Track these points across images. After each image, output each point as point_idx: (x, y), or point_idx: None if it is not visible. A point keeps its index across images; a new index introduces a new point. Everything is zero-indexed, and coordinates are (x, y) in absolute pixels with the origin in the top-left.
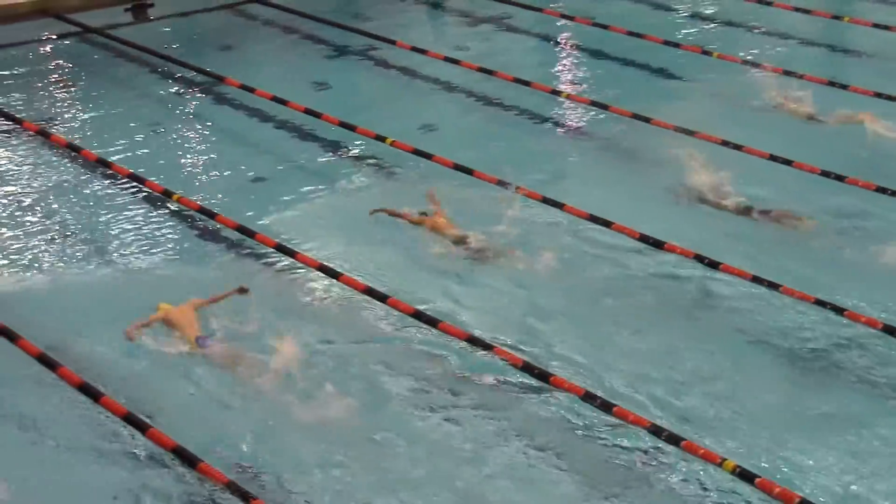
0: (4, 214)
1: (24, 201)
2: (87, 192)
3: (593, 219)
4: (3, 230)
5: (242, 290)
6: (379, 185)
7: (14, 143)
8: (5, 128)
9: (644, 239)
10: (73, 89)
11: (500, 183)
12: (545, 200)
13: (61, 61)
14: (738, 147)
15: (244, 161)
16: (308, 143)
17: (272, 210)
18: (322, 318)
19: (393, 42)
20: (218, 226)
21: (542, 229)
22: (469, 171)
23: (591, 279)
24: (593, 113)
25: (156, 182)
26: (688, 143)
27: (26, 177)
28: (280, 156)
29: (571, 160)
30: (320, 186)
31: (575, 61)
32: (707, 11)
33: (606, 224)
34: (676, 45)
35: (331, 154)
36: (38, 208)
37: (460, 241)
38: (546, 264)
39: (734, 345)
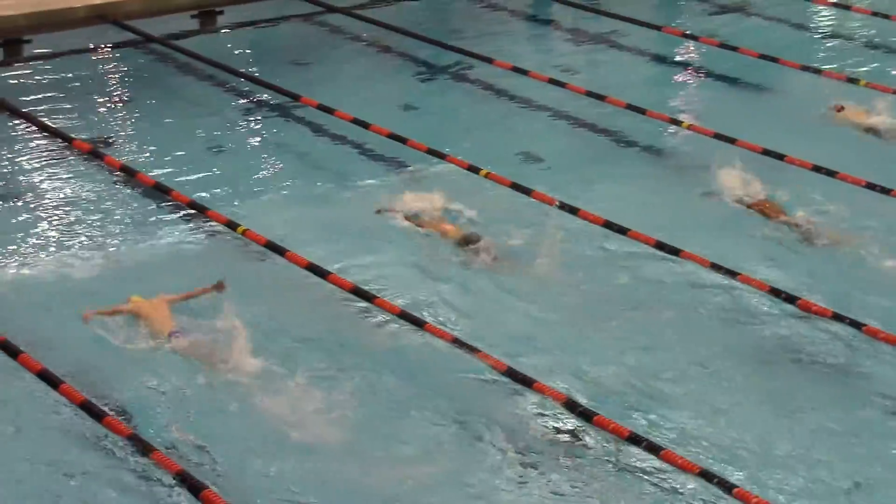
0: (51, 244)
1: (74, 232)
2: (141, 220)
3: (726, 272)
4: (52, 265)
5: (219, 287)
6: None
7: (63, 164)
8: (54, 147)
9: (776, 293)
10: (129, 104)
11: (607, 225)
12: (659, 246)
13: (118, 73)
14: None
15: (318, 190)
16: (391, 172)
17: (348, 250)
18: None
19: (489, 60)
20: (289, 265)
21: (661, 287)
22: (574, 211)
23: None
24: (718, 147)
25: (218, 212)
26: (829, 188)
27: (74, 205)
28: (359, 185)
29: (689, 204)
30: (401, 222)
31: (697, 86)
32: (850, 27)
33: (731, 275)
34: (817, 72)
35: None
36: (89, 240)
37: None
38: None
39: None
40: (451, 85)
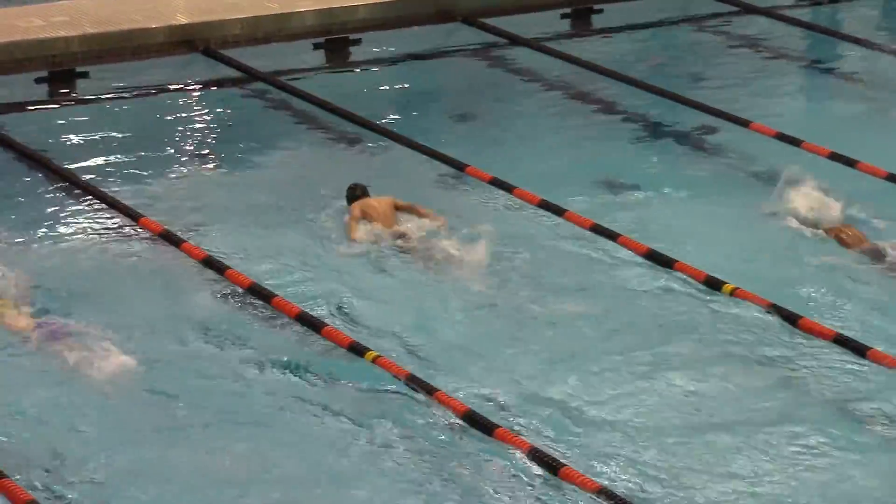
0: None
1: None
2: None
3: None
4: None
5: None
6: None
7: (122, 251)
8: (108, 223)
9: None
10: (217, 168)
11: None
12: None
13: (203, 122)
14: None
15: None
16: None
17: None
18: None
19: (745, 123)
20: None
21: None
22: None
23: None
24: None
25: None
26: None
27: (129, 340)
28: None
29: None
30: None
31: None
32: None
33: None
34: None
35: None
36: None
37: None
38: None
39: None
40: (681, 155)
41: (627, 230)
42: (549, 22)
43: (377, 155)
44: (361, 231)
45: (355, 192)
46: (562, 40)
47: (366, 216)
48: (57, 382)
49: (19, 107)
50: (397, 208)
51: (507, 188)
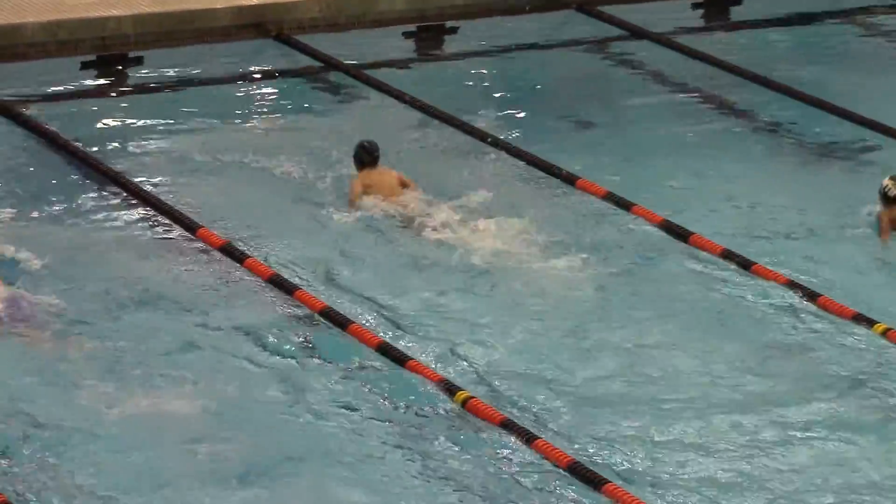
0: None
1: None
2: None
3: None
4: None
5: None
6: None
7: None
8: (166, 233)
9: None
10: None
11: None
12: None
13: (274, 113)
14: None
15: None
16: None
17: None
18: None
19: None
20: None
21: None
22: None
23: None
24: None
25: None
26: None
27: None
28: None
29: None
30: None
31: None
32: None
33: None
34: None
35: None
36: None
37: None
38: None
39: None
40: (836, 176)
41: (761, 254)
42: (677, 12)
43: (472, 161)
44: (364, 201)
45: (363, 159)
46: (692, 34)
47: (369, 189)
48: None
49: (62, 95)
50: (403, 185)
51: (625, 205)
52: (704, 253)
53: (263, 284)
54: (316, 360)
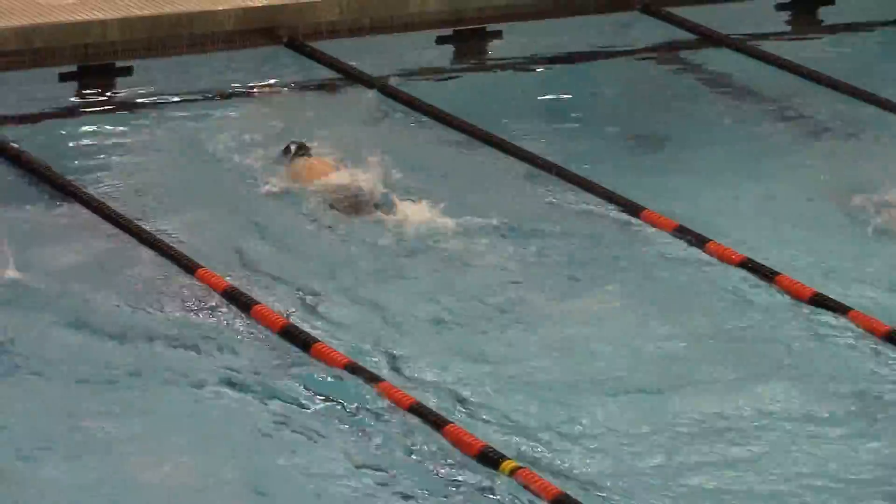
0: None
1: None
2: None
3: None
4: None
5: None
6: None
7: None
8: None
9: None
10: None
11: None
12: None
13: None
14: None
15: None
16: None
17: None
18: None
19: None
20: None
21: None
22: None
23: None
24: None
25: None
26: None
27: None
28: None
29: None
30: None
31: None
32: None
33: None
34: None
35: None
36: None
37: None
38: None
39: None
40: None
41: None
42: (759, 14)
43: (517, 185)
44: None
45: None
46: (777, 39)
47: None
48: None
49: (38, 115)
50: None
51: (700, 241)
52: (786, 296)
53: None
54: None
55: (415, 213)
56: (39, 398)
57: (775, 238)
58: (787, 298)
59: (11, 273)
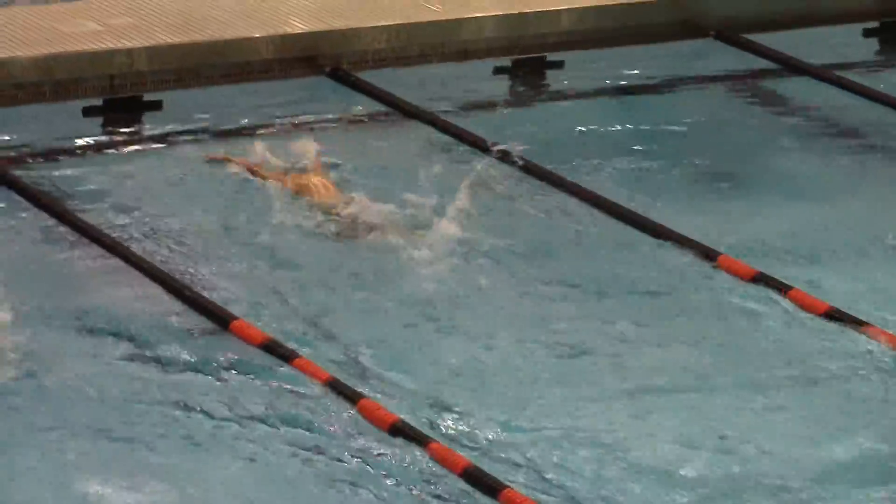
0: None
1: None
2: None
3: None
4: None
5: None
6: None
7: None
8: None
9: None
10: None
11: None
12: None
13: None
14: None
15: None
16: None
17: None
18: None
19: None
20: None
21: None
22: None
23: None
24: None
25: None
26: None
27: None
28: None
29: None
30: None
31: None
32: None
33: None
34: None
35: None
36: None
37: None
38: None
39: None
40: None
41: None
42: (844, 40)
43: (575, 227)
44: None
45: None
46: (864, 69)
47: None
48: None
49: (60, 151)
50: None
51: (779, 288)
52: (879, 344)
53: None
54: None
55: (452, 255)
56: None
57: (864, 284)
58: (877, 346)
59: (30, 318)
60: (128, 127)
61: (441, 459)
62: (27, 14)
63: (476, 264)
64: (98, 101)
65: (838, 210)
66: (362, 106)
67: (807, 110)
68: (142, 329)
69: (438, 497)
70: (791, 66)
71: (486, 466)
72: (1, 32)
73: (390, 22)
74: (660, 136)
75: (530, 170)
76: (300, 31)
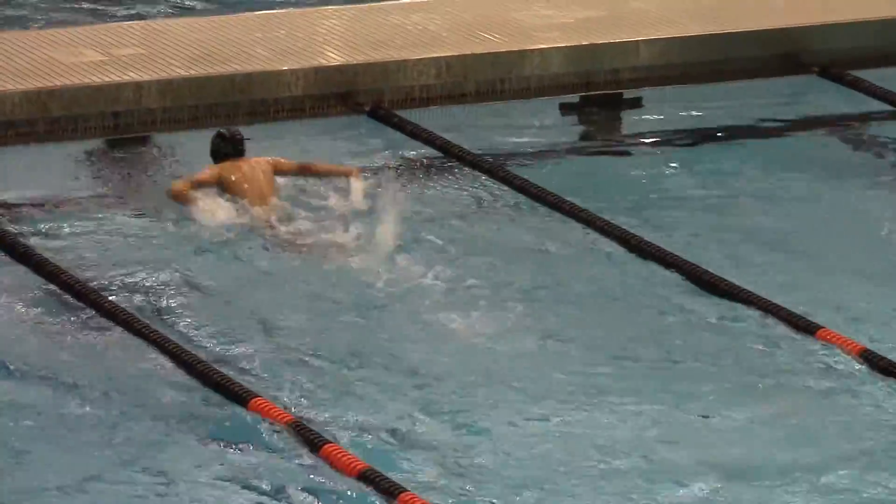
0: None
1: None
2: None
3: None
4: None
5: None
6: None
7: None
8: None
9: None
10: None
11: None
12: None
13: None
14: None
15: None
16: None
17: None
18: None
19: None
20: None
21: None
22: None
23: None
24: None
25: None
26: None
27: None
28: None
29: None
30: None
31: None
32: None
33: None
34: None
35: None
36: None
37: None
38: None
39: None
40: None
41: None
42: None
43: (638, 284)
44: (217, 209)
45: (222, 149)
46: None
47: (229, 188)
48: None
49: (52, 201)
50: (280, 171)
51: (880, 368)
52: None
53: None
54: None
55: (498, 327)
56: None
57: None
58: None
59: (35, 387)
60: (131, 170)
61: None
62: (18, 41)
63: (529, 341)
64: (101, 143)
65: None
66: (404, 148)
67: None
68: None
69: None
70: None
71: None
72: None
73: (439, 54)
74: (754, 187)
75: (593, 224)
76: (335, 64)
